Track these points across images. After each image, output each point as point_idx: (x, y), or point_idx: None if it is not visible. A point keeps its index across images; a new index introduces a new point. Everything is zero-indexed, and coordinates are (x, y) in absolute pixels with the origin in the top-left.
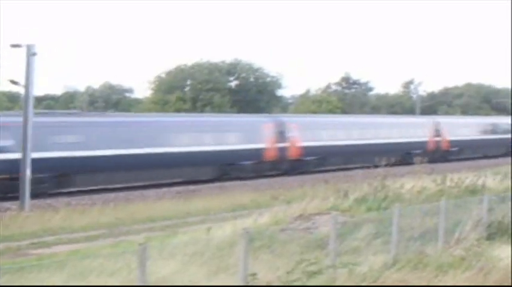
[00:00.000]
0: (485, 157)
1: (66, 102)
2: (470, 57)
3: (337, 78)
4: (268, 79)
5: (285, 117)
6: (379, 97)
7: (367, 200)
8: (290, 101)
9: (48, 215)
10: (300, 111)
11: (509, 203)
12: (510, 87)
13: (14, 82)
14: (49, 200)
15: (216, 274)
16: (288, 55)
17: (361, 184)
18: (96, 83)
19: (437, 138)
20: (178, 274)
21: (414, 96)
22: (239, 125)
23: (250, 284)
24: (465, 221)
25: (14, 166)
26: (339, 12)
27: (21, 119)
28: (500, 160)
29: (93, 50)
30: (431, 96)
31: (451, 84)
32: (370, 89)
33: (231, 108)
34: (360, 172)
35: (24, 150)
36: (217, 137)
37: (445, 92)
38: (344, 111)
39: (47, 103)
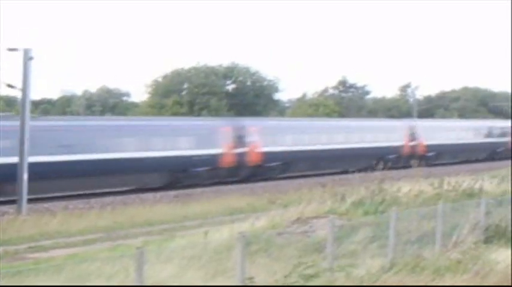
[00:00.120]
0: (466, 161)
1: (63, 106)
2: (467, 61)
3: (334, 82)
4: (265, 83)
5: (245, 121)
6: (376, 101)
7: (364, 203)
8: (287, 104)
9: (45, 219)
10: (297, 115)
11: (507, 206)
12: (507, 90)
13: (10, 86)
14: (46, 204)
15: (214, 278)
16: (285, 59)
17: (358, 187)
18: (94, 87)
19: (413, 143)
20: (175, 278)
21: (411, 100)
22: (192, 129)
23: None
24: (462, 225)
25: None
26: (336, 16)
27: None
28: (497, 163)
29: (91, 53)
30: (428, 99)
31: (448, 88)
32: (367, 93)
33: (228, 112)
34: (357, 175)
35: (21, 154)
36: (167, 142)
37: (442, 96)
38: (341, 115)
39: (43, 107)
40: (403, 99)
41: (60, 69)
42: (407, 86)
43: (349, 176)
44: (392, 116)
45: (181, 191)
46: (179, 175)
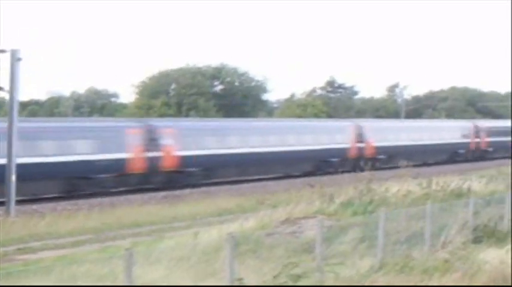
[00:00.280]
0: (424, 164)
1: (51, 107)
2: (455, 60)
3: (322, 83)
4: (254, 83)
5: (158, 122)
6: (365, 101)
7: (352, 204)
8: (275, 105)
9: (34, 221)
10: (286, 115)
11: (495, 206)
12: (496, 90)
13: None
14: (35, 206)
15: (203, 279)
16: (274, 59)
17: (346, 187)
18: (82, 88)
19: (361, 145)
20: (164, 279)
21: (399, 100)
22: (93, 131)
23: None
24: (451, 225)
25: None
26: (324, 17)
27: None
28: (485, 163)
29: (79, 55)
30: (416, 99)
31: (436, 87)
32: (356, 93)
33: (217, 112)
34: (345, 175)
35: (9, 156)
36: (63, 146)
37: (430, 96)
38: (329, 115)
39: (31, 108)
40: (391, 99)
41: (48, 70)
42: (396, 86)
43: (338, 176)
44: (380, 116)
45: (170, 192)
46: (78, 182)
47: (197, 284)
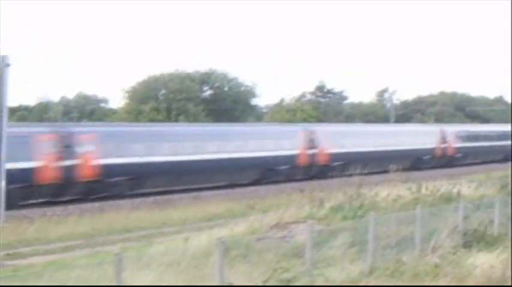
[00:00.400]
0: (384, 171)
1: (40, 113)
2: (444, 65)
3: (311, 87)
4: (243, 89)
5: (75, 127)
6: (354, 106)
7: (342, 208)
8: (265, 110)
9: (23, 226)
10: (275, 120)
11: (485, 210)
12: (484, 95)
13: None
14: (24, 211)
15: (193, 284)
16: (263, 64)
17: (336, 192)
18: (71, 93)
19: (312, 151)
20: (155, 284)
21: (388, 104)
22: None
23: None
24: (441, 229)
25: None
26: (313, 22)
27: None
28: (473, 168)
29: (68, 60)
30: (405, 104)
31: (425, 92)
32: (345, 98)
33: (206, 117)
34: (335, 180)
35: None
36: None
37: (419, 101)
38: (319, 120)
39: (20, 114)
40: (380, 104)
41: (37, 76)
42: (385, 91)
43: (328, 181)
44: (369, 121)
45: (159, 198)
46: None
47: None
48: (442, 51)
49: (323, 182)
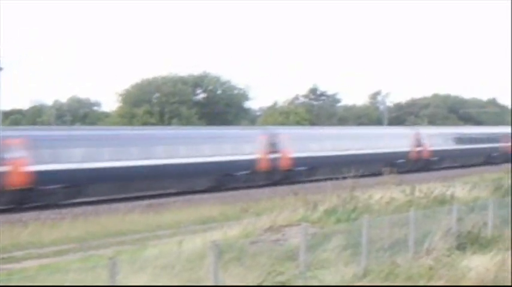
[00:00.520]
0: (354, 176)
1: (33, 116)
2: (437, 68)
3: (305, 90)
4: (236, 91)
5: (3, 131)
6: (347, 109)
7: (336, 211)
8: (258, 113)
9: (17, 230)
10: (268, 123)
11: (479, 213)
12: (477, 97)
13: None
14: (18, 215)
15: None
16: (256, 67)
17: (330, 195)
18: (64, 97)
19: (274, 156)
20: None
21: (381, 107)
22: None
23: None
24: (435, 232)
25: None
26: (307, 25)
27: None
28: (468, 170)
29: (61, 63)
30: (399, 107)
31: (418, 95)
32: (338, 101)
33: (199, 120)
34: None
35: None
36: None
37: (412, 103)
38: (312, 123)
39: (14, 118)
40: (373, 106)
41: (31, 79)
42: (378, 93)
43: (321, 184)
44: (362, 124)
45: (153, 201)
46: None
47: None
48: (435, 54)
49: (316, 185)
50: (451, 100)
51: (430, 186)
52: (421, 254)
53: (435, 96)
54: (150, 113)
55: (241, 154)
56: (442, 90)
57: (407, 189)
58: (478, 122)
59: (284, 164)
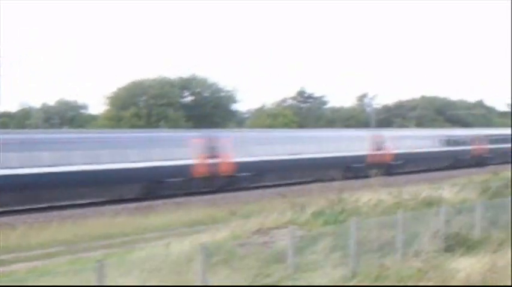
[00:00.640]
0: (302, 182)
1: (22, 119)
2: (424, 70)
3: (292, 93)
4: (224, 94)
5: None
6: (334, 111)
7: (324, 213)
8: (246, 115)
9: (5, 233)
10: (256, 125)
11: (467, 214)
12: (464, 99)
13: None
14: (5, 218)
15: None
16: (244, 70)
17: (317, 197)
18: (52, 100)
19: (213, 161)
20: None
21: (368, 109)
22: None
23: None
24: (423, 234)
25: None
26: (294, 27)
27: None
28: (456, 171)
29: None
30: (386, 109)
31: (405, 97)
32: (325, 103)
33: (186, 123)
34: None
35: None
36: None
37: (400, 105)
38: (300, 126)
39: (2, 120)
40: (360, 108)
41: (18, 82)
42: (365, 95)
43: (309, 186)
44: (350, 126)
45: (141, 204)
46: None
47: None
48: (423, 56)
49: (304, 187)
50: (438, 102)
51: (418, 188)
52: (409, 256)
53: (423, 98)
54: (137, 115)
55: (172, 159)
56: (430, 92)
57: (395, 191)
58: (466, 124)
59: (225, 170)
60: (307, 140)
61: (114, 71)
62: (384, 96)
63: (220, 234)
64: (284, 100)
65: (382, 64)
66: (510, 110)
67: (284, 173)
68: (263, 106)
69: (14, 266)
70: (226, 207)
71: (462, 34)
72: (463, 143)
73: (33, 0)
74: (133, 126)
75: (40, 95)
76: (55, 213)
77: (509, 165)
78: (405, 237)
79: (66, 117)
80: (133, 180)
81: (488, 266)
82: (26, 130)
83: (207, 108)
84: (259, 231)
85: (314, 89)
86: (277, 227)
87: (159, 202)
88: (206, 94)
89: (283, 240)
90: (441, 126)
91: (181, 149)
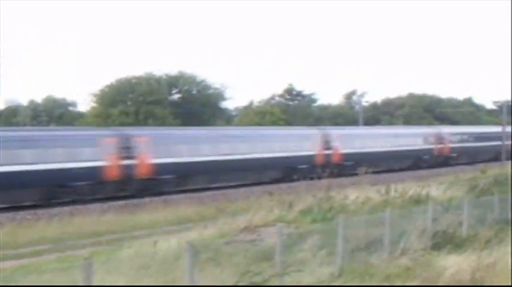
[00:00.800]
0: (262, 183)
1: (9, 117)
2: (413, 67)
3: (280, 90)
4: (212, 91)
5: None
6: (322, 108)
7: (312, 211)
8: (234, 113)
9: None
10: (244, 123)
11: (454, 212)
12: (453, 96)
13: None
14: None
15: None
16: (232, 67)
17: (305, 195)
18: (39, 97)
19: (128, 162)
20: None
21: (356, 106)
22: None
23: None
24: (410, 231)
25: None
26: (281, 24)
27: None
28: (444, 169)
29: (36, 63)
30: (374, 106)
31: (394, 94)
32: (314, 101)
33: (174, 120)
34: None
35: None
36: None
37: (388, 102)
38: (288, 123)
39: None
40: (348, 106)
41: (5, 80)
42: (353, 93)
43: (296, 184)
44: (338, 124)
45: (129, 201)
46: None
47: None
48: (411, 53)
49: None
50: (426, 100)
51: (406, 186)
52: (397, 254)
53: (411, 95)
54: (125, 113)
55: (76, 161)
56: (418, 90)
57: (383, 189)
58: (454, 122)
59: (142, 172)
60: (243, 139)
61: (102, 69)
62: (373, 94)
63: (208, 232)
64: (272, 98)
65: (371, 62)
66: (498, 107)
67: (212, 175)
68: (251, 104)
69: (1, 264)
70: (214, 204)
71: (451, 32)
72: (425, 141)
73: None
74: (121, 123)
75: (27, 93)
76: (43, 211)
77: (496, 163)
78: (393, 235)
79: (54, 114)
80: (29, 184)
81: (475, 264)
82: None
83: (195, 106)
84: (246, 229)
85: (302, 86)
86: (264, 225)
87: (147, 199)
88: (194, 92)
89: (271, 238)
90: (429, 123)
91: (89, 149)
